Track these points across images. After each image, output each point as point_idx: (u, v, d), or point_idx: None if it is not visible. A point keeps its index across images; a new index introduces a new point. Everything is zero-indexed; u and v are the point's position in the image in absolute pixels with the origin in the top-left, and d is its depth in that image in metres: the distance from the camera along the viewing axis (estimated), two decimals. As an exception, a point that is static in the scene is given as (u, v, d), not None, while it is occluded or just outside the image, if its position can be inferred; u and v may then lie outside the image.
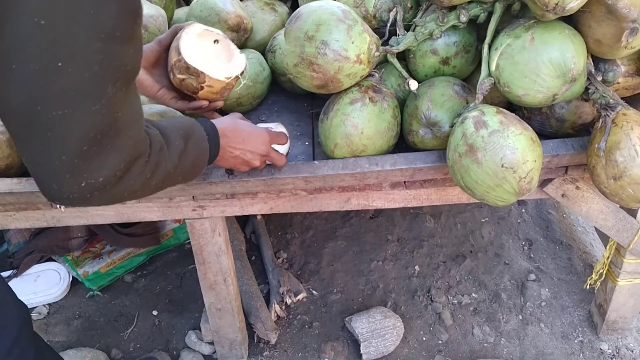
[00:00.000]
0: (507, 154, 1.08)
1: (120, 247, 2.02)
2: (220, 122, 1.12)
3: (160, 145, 0.89)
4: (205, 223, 1.45)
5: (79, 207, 1.35)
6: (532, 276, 1.93)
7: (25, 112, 0.70)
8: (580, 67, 1.11)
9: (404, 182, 1.34)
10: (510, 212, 2.18)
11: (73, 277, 2.00)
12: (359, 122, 1.24)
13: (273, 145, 1.21)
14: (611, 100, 1.14)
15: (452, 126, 1.21)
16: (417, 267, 2.01)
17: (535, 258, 2.01)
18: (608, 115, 1.13)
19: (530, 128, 1.13)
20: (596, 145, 1.14)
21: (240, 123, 1.16)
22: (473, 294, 1.91)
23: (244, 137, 1.13)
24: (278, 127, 1.28)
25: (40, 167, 0.76)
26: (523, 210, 2.19)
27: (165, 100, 1.23)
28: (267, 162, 1.23)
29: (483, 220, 2.17)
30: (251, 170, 1.23)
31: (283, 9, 1.70)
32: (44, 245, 1.98)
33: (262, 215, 2.19)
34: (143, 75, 1.18)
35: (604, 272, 1.60)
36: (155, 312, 1.93)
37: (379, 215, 2.22)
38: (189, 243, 2.15)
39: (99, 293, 1.99)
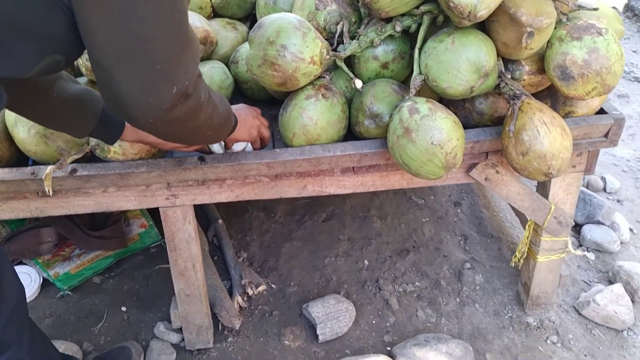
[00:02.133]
0: (436, 133, 1.32)
1: (90, 250, 2.14)
2: None
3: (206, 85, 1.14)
4: (177, 211, 1.62)
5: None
6: (468, 265, 2.17)
7: (123, 37, 0.89)
8: (491, 65, 1.37)
9: (353, 167, 1.56)
10: (447, 212, 2.44)
11: (43, 279, 2.11)
12: (314, 115, 1.46)
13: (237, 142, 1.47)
14: (517, 92, 1.41)
15: (391, 117, 1.45)
16: (366, 262, 2.22)
17: (470, 250, 2.25)
18: (515, 103, 1.39)
19: (453, 114, 1.38)
20: (507, 128, 1.39)
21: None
22: (416, 283, 2.13)
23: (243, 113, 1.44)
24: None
25: (139, 84, 0.94)
26: (459, 210, 2.45)
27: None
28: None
29: (424, 220, 2.41)
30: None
31: (243, 27, 1.93)
32: (16, 249, 2.08)
33: (223, 220, 2.36)
34: None
35: (525, 250, 1.85)
36: (124, 308, 2.06)
37: (331, 219, 2.43)
38: (154, 247, 2.31)
39: (69, 293, 2.10)
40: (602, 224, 2.25)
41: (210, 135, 1.23)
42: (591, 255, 2.10)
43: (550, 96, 1.56)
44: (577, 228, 2.31)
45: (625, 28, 2.00)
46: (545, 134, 1.35)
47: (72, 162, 1.47)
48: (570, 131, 1.45)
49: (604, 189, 2.52)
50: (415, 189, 2.55)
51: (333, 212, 2.46)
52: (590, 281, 2.12)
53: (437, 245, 2.28)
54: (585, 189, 2.39)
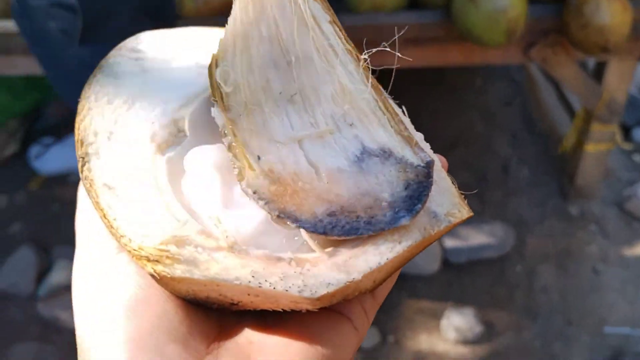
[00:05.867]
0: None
1: None
2: None
3: None
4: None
5: None
6: (515, 159, 2.25)
7: None
8: None
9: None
10: (498, 111, 2.49)
11: None
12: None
13: None
14: (582, -35, 1.44)
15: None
16: (416, 153, 2.32)
17: (518, 146, 2.32)
18: (580, -23, 1.43)
19: (517, -16, 1.43)
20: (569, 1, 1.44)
21: None
22: (464, 174, 2.23)
23: None
24: None
25: None
26: (509, 110, 2.50)
27: None
28: None
29: (475, 118, 2.48)
30: None
31: None
32: None
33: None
34: None
35: (574, 139, 1.91)
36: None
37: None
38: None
39: None
40: (653, 127, 2.28)
41: None
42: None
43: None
44: (627, 132, 2.35)
45: None
46: (605, 7, 1.39)
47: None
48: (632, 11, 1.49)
49: (659, 98, 2.52)
50: (467, 89, 2.61)
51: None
52: (635, 180, 2.17)
53: (487, 142, 2.36)
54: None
